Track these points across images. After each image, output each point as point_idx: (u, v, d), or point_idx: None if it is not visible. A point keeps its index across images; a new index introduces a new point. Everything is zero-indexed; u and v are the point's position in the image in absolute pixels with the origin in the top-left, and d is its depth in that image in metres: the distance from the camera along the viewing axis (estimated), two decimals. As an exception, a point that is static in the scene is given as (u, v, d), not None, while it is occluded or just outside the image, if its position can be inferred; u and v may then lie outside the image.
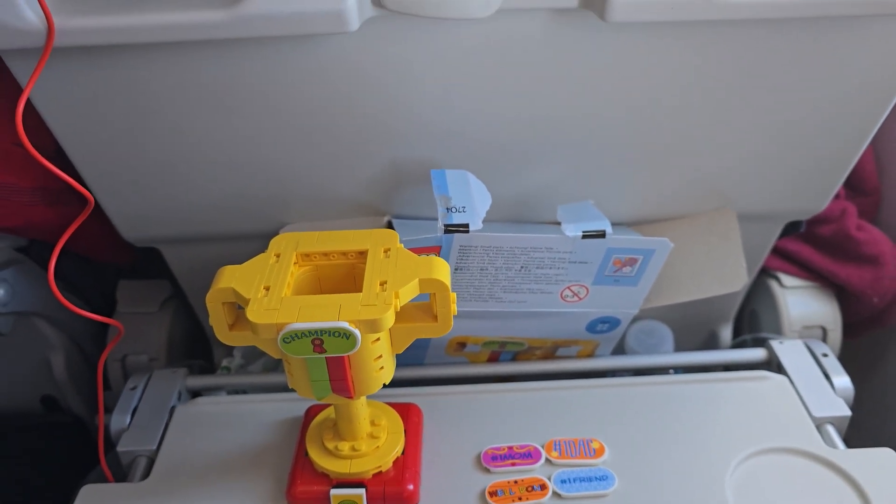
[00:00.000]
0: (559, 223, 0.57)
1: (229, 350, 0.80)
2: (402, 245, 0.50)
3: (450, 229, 0.54)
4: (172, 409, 0.62)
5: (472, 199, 0.54)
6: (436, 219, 0.54)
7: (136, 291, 0.82)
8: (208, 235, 0.65)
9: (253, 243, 0.64)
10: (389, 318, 0.45)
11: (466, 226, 0.53)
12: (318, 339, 0.44)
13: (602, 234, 0.56)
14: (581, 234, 0.56)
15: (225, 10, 0.43)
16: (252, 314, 0.45)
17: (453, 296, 0.47)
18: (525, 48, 0.49)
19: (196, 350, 0.86)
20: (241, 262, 0.51)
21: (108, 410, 0.62)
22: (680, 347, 0.78)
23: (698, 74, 0.52)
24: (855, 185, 0.85)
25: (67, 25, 0.44)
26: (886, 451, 0.55)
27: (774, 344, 0.67)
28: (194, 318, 0.82)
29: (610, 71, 0.51)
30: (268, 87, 0.51)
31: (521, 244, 0.56)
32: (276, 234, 0.63)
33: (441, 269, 0.47)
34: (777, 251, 0.80)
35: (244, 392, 0.69)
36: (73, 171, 0.58)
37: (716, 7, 0.44)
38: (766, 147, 0.59)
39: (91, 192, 0.59)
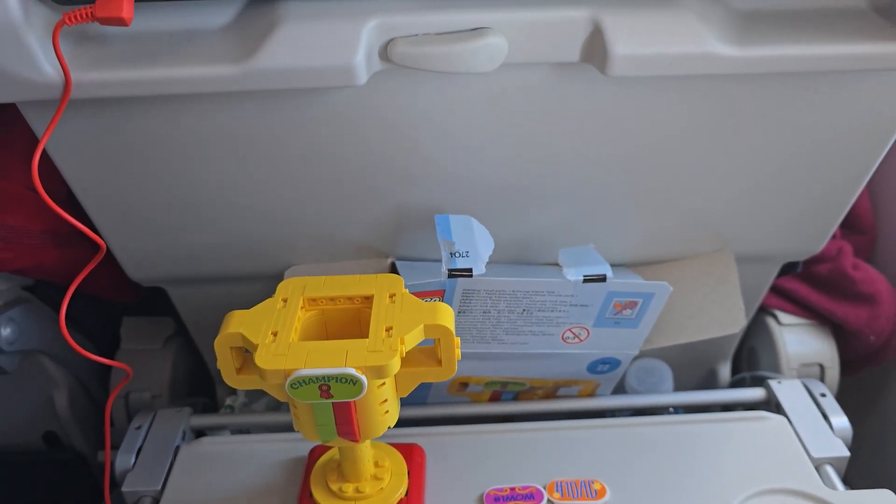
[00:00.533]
0: (560, 265, 0.58)
1: (233, 388, 0.80)
2: (407, 290, 0.51)
3: (453, 274, 0.55)
4: (177, 449, 0.63)
5: (475, 243, 0.55)
6: (439, 260, 0.55)
7: (140, 329, 0.82)
8: (214, 276, 0.66)
9: (258, 283, 0.66)
10: (395, 364, 0.46)
11: (470, 270, 0.54)
12: (325, 385, 0.45)
13: (603, 279, 0.57)
14: (582, 278, 0.57)
15: (237, 65, 0.45)
16: (260, 360, 0.46)
17: (457, 340, 0.48)
18: (528, 98, 0.51)
19: (199, 386, 0.87)
20: (246, 302, 0.52)
21: (112, 448, 0.63)
22: (679, 385, 0.79)
23: (695, 123, 0.53)
24: (851, 224, 0.87)
25: (83, 79, 0.45)
26: (885, 492, 0.55)
27: (773, 384, 0.67)
28: (197, 355, 0.83)
29: (609, 119, 0.53)
30: (275, 135, 0.52)
31: (523, 288, 0.57)
32: (281, 274, 0.64)
33: (445, 315, 0.48)
34: (775, 289, 0.81)
35: (248, 431, 0.70)
36: (82, 214, 0.59)
37: (713, 62, 0.46)
38: (762, 192, 0.60)
39: (100, 235, 0.60)
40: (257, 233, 0.61)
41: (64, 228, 0.64)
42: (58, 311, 0.75)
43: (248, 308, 0.51)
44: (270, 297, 0.52)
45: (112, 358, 0.81)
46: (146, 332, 0.82)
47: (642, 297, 0.59)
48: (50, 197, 0.47)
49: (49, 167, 0.55)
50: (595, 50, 0.46)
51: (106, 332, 0.83)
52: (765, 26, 0.47)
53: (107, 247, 0.61)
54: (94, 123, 0.51)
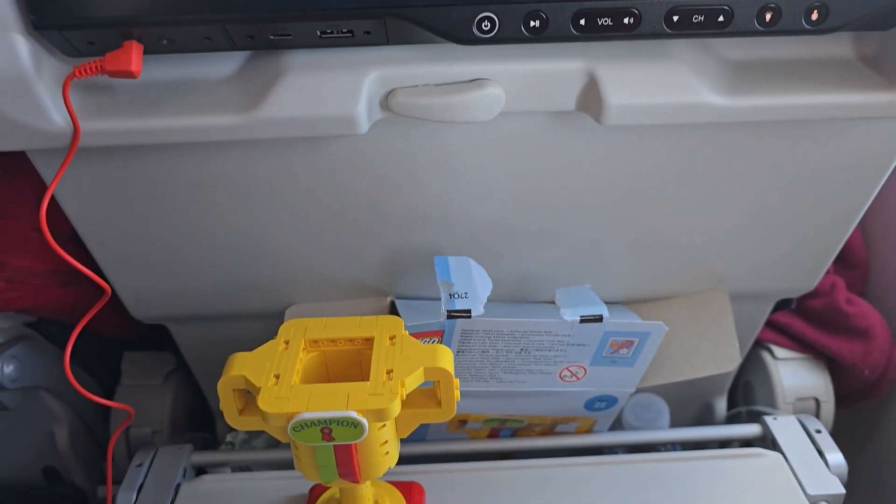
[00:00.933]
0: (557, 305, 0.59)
1: (233, 423, 0.81)
2: (407, 331, 0.52)
3: (452, 315, 0.56)
4: (178, 487, 0.63)
5: (473, 284, 0.56)
6: (437, 299, 0.56)
7: (141, 364, 0.83)
8: (216, 314, 0.67)
9: (260, 321, 0.66)
10: (396, 407, 0.46)
11: (469, 311, 0.55)
12: (326, 428, 0.46)
13: (599, 319, 0.58)
14: (579, 318, 0.58)
15: (242, 115, 0.46)
16: (263, 403, 0.46)
17: (456, 382, 0.49)
18: (525, 144, 0.52)
19: (199, 421, 0.87)
20: (248, 339, 0.52)
21: (113, 484, 0.63)
22: (676, 419, 0.80)
23: (688, 167, 0.54)
24: (843, 259, 0.88)
25: (92, 128, 0.46)
26: None
27: (769, 420, 0.68)
28: (198, 389, 0.83)
29: (605, 164, 0.54)
30: (278, 179, 0.54)
31: (521, 328, 0.58)
32: (282, 312, 0.65)
33: (445, 358, 0.49)
34: (770, 323, 0.82)
35: (249, 468, 0.70)
36: (86, 253, 0.60)
37: (705, 112, 0.47)
38: (755, 232, 0.61)
39: (104, 275, 0.61)
40: (259, 273, 0.62)
41: (68, 267, 0.64)
42: (60, 347, 0.76)
43: (248, 345, 0.51)
44: (271, 335, 0.53)
45: (113, 393, 0.82)
46: (147, 368, 0.83)
47: (638, 336, 0.60)
48: (55, 236, 0.48)
49: (54, 206, 0.56)
50: (590, 100, 0.47)
51: (107, 367, 0.83)
52: (755, 76, 0.48)
53: (110, 284, 0.62)
54: (101, 169, 0.52)
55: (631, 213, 0.58)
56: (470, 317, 0.55)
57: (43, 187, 0.53)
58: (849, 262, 0.88)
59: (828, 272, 0.82)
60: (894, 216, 0.84)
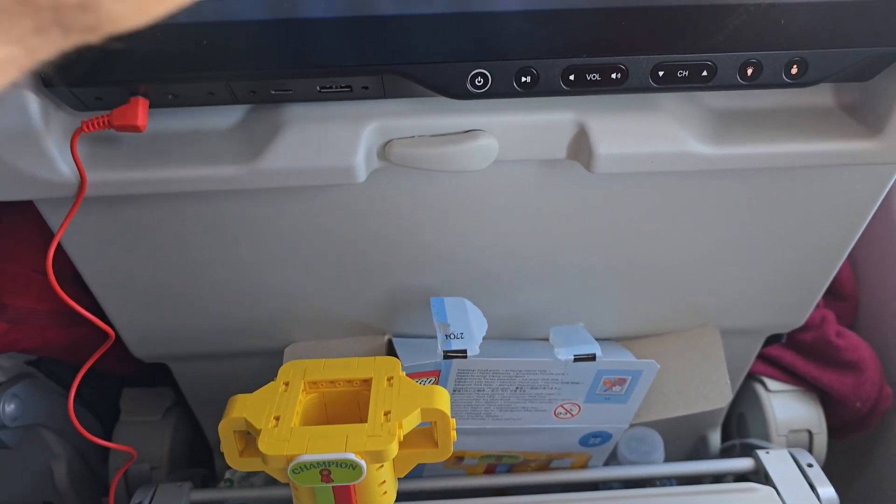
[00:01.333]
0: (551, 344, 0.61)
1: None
2: (404, 371, 0.53)
3: (449, 355, 0.57)
4: (178, 526, 0.64)
5: (469, 325, 0.58)
6: (434, 337, 0.57)
7: (140, 400, 0.84)
8: (217, 353, 0.68)
9: (259, 359, 0.67)
10: (394, 449, 0.47)
11: (464, 352, 0.57)
12: (325, 470, 0.47)
13: (592, 358, 0.59)
14: (573, 357, 0.59)
15: (244, 165, 0.47)
16: (264, 445, 0.47)
17: (453, 422, 0.50)
18: (518, 190, 0.54)
19: (197, 457, 0.88)
20: (247, 376, 0.53)
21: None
22: (670, 452, 0.81)
23: (677, 211, 0.56)
24: (833, 291, 0.89)
25: (98, 179, 0.47)
26: None
27: (762, 454, 0.69)
28: (196, 425, 0.84)
29: (596, 208, 0.55)
30: (278, 224, 0.55)
31: (516, 367, 0.60)
32: (282, 350, 0.66)
33: (442, 399, 0.50)
34: (762, 356, 0.83)
35: (247, 505, 0.71)
36: (89, 293, 0.61)
37: (691, 160, 0.49)
38: (743, 271, 0.63)
39: (106, 315, 0.62)
40: (260, 312, 0.63)
41: (71, 308, 0.65)
42: (61, 384, 0.77)
43: (248, 382, 0.52)
44: (271, 372, 0.54)
45: (112, 429, 0.82)
46: (146, 404, 0.83)
47: (631, 374, 0.61)
48: (57, 277, 0.49)
49: (57, 249, 0.57)
50: (581, 149, 0.49)
51: (106, 403, 0.84)
52: (739, 125, 0.50)
53: (111, 324, 0.64)
54: (106, 216, 0.53)
55: (622, 255, 0.60)
56: (466, 357, 0.57)
57: (46, 230, 0.54)
58: (838, 295, 0.90)
59: (818, 305, 0.83)
60: (882, 248, 0.86)
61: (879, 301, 0.87)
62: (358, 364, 0.54)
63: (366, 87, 0.45)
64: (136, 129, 0.44)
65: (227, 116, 0.49)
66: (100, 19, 0.16)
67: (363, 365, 0.54)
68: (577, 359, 0.59)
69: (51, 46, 0.17)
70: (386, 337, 0.66)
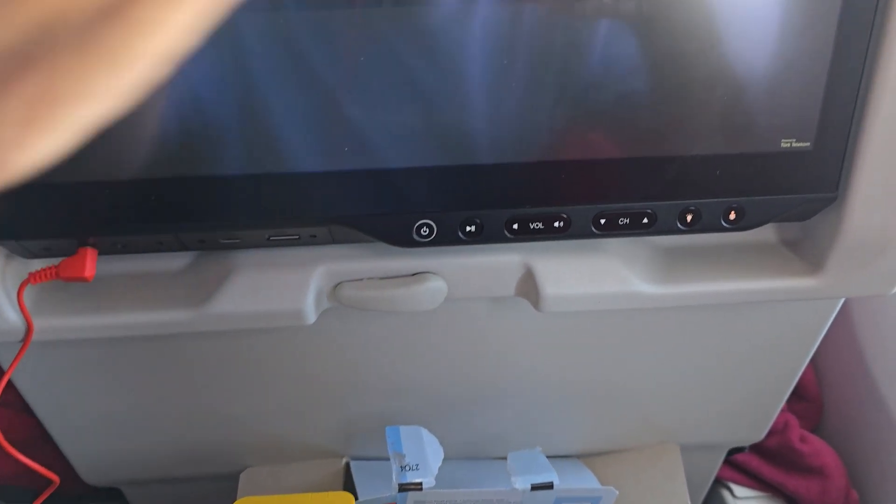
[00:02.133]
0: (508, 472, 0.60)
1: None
2: (359, 507, 0.52)
3: (404, 487, 0.56)
4: None
5: (425, 455, 0.57)
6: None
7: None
8: (171, 477, 0.67)
9: (215, 483, 0.66)
10: None
11: (420, 484, 0.56)
12: None
13: (550, 486, 0.58)
14: (530, 486, 0.58)
15: (193, 310, 0.48)
16: None
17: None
18: (468, 325, 0.54)
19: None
20: (203, 500, 0.52)
21: None
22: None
23: (626, 341, 0.57)
24: (796, 392, 0.89)
25: (46, 325, 0.47)
26: None
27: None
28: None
29: (547, 338, 0.56)
30: (230, 359, 0.55)
31: (472, 498, 0.59)
32: (237, 475, 0.65)
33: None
34: (728, 461, 0.83)
35: None
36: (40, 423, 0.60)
37: (637, 299, 0.49)
38: (699, 391, 0.63)
39: (56, 443, 0.61)
40: (214, 439, 0.62)
41: (20, 436, 0.64)
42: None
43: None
44: (227, 496, 0.53)
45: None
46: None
47: (590, 500, 0.61)
48: (8, 406, 0.48)
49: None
50: (528, 288, 0.49)
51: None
52: (684, 262, 0.51)
53: (59, 449, 0.62)
54: (55, 355, 0.53)
55: (577, 378, 0.60)
56: (421, 489, 0.56)
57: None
58: (802, 396, 0.90)
59: (781, 409, 0.84)
60: (843, 350, 0.87)
61: (843, 402, 0.88)
62: (312, 500, 0.53)
63: (314, 236, 0.46)
64: (84, 279, 0.45)
65: (176, 259, 0.49)
66: None
67: (317, 501, 0.53)
68: (535, 487, 0.58)
69: None
70: (344, 460, 0.65)
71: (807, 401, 0.91)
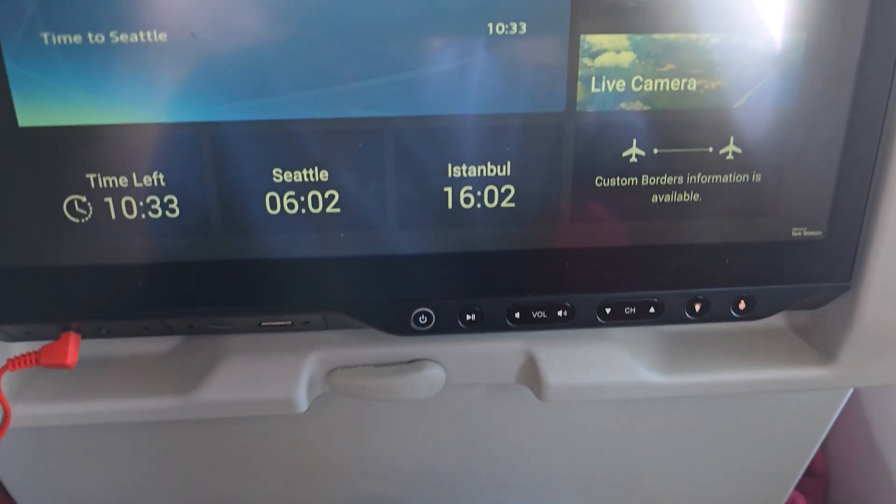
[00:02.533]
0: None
1: None
2: None
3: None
4: None
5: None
6: None
7: None
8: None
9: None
10: None
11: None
12: None
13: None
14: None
15: (180, 397, 0.45)
16: None
17: None
18: (467, 411, 0.52)
19: None
20: None
21: None
22: None
23: (631, 430, 0.55)
24: (803, 468, 0.87)
25: (24, 413, 0.45)
26: None
27: None
28: None
29: (549, 426, 0.54)
30: (218, 445, 0.53)
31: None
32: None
33: None
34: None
35: None
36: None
37: (643, 389, 0.47)
38: (708, 477, 0.61)
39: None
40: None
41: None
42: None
43: None
44: None
45: None
46: None
47: None
48: None
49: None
50: (530, 376, 0.47)
51: None
52: (692, 351, 0.49)
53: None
54: (36, 439, 0.51)
55: (579, 466, 0.58)
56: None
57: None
58: (809, 471, 0.88)
59: (788, 487, 0.81)
60: (850, 426, 0.85)
61: (849, 479, 0.85)
62: None
63: (307, 322, 0.44)
64: (65, 366, 0.42)
65: (162, 342, 0.47)
66: None
67: None
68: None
69: None
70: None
71: (813, 476, 0.88)
